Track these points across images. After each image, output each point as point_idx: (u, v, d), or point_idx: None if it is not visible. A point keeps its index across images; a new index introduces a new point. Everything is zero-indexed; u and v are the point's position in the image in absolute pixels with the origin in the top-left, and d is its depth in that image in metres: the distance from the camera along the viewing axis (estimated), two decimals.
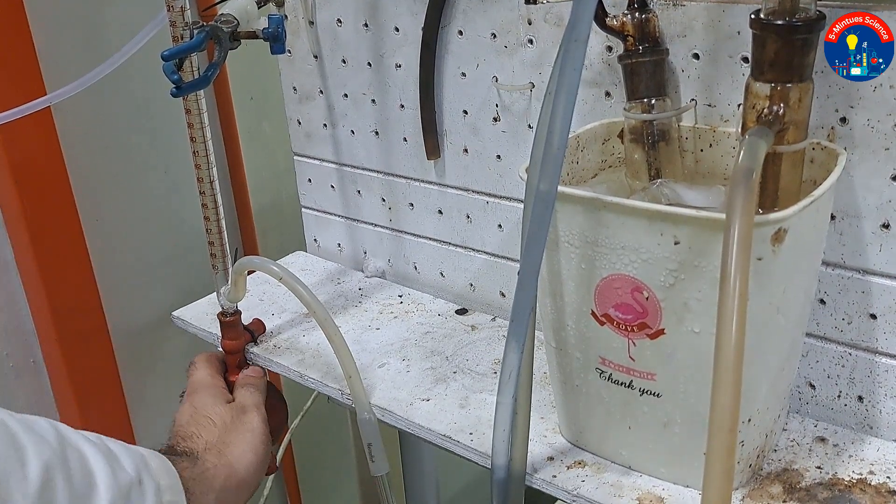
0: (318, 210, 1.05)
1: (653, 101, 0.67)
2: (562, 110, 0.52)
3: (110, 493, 0.57)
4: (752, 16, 0.56)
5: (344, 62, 0.92)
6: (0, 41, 0.94)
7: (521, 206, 0.58)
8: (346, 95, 0.94)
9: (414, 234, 0.95)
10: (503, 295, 0.89)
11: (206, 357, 0.86)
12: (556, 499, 0.67)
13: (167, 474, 0.63)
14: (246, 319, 0.88)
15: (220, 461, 0.71)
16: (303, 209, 1.07)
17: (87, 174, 1.06)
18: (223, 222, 0.84)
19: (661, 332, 0.58)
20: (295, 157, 1.04)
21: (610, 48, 0.72)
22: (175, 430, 0.76)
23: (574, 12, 0.51)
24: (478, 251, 0.90)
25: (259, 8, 0.79)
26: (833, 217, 0.64)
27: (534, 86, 0.78)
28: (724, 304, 0.47)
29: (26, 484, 0.52)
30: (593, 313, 0.61)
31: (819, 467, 0.65)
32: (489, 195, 0.86)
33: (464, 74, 0.83)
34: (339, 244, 1.04)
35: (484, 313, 0.92)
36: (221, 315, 0.86)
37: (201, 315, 0.95)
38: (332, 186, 1.01)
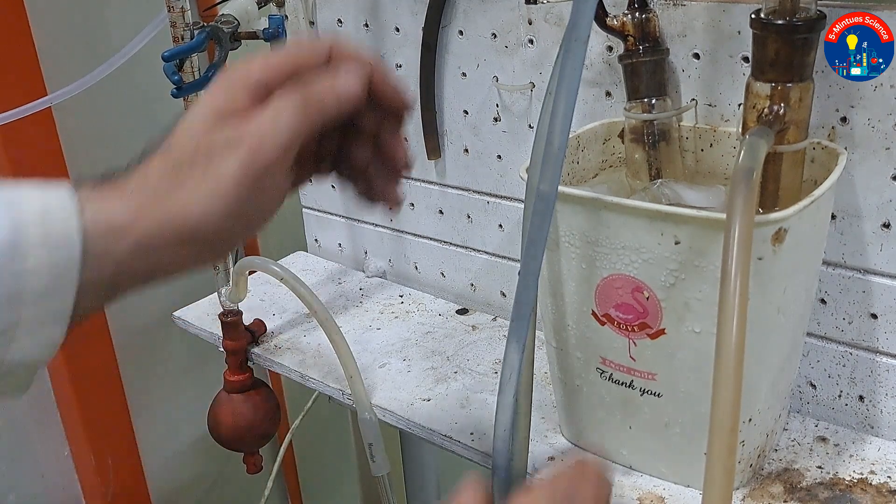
0: (318, 210, 1.05)
1: (653, 101, 0.67)
2: (562, 110, 0.52)
3: None
4: (753, 15, 0.56)
5: None
6: (1, 41, 0.94)
7: (522, 206, 0.58)
8: None
9: (415, 234, 0.95)
10: (504, 295, 0.89)
11: None
12: None
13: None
14: (247, 320, 0.88)
15: (161, 207, 0.47)
16: (303, 209, 1.07)
17: (88, 174, 1.06)
18: None
19: (662, 332, 0.58)
20: None
21: (610, 48, 0.72)
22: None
23: (574, 12, 0.51)
24: (478, 251, 0.90)
25: (259, 8, 0.79)
26: (834, 217, 0.64)
27: (534, 86, 0.78)
28: (725, 303, 0.47)
29: None
30: (594, 313, 0.61)
31: (820, 467, 0.65)
32: (490, 195, 0.86)
33: (464, 74, 0.83)
34: (340, 244, 1.04)
35: (485, 313, 0.92)
36: (222, 315, 0.86)
37: (202, 315, 0.95)
38: (333, 186, 1.01)
